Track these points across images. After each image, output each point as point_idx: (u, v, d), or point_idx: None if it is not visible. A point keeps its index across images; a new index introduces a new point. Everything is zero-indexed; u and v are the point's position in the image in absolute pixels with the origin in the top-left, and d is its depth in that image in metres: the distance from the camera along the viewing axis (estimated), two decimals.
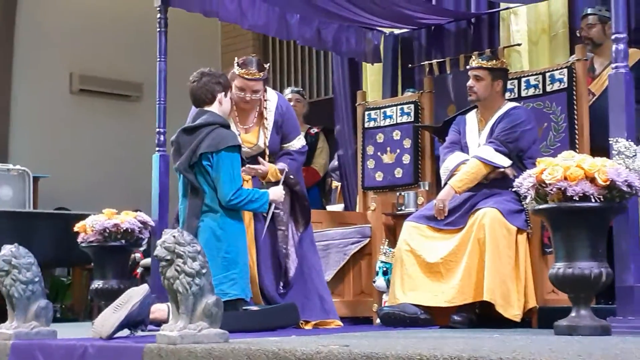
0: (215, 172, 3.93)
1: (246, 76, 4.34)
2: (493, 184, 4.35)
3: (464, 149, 4.56)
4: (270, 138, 4.46)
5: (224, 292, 3.85)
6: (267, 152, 4.45)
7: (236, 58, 4.47)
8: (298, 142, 4.55)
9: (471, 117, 4.60)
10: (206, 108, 4.08)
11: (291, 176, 4.43)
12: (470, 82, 4.51)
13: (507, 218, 4.17)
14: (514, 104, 4.55)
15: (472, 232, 4.19)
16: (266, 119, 4.45)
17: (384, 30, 6.74)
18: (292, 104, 6.24)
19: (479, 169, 4.33)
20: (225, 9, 5.80)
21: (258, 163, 4.37)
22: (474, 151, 4.47)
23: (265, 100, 4.48)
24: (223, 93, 4.11)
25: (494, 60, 4.55)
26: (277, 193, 4.13)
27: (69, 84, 9.58)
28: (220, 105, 4.10)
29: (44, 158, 8.67)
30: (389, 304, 4.34)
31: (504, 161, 4.30)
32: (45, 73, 9.26)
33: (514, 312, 4.08)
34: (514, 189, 3.66)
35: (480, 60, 4.54)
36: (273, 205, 4.22)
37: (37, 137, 9.01)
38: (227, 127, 4.09)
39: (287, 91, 6.46)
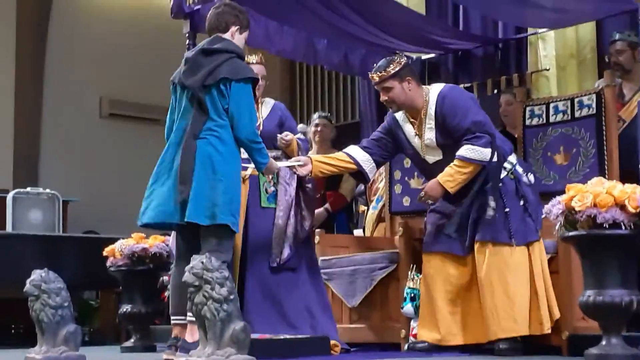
0: (235, 103, 3.84)
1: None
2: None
3: (414, 162, 4.47)
4: (267, 117, 4.58)
5: (214, 215, 3.76)
6: (261, 127, 4.53)
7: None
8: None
9: (403, 121, 4.43)
10: (220, 35, 4.01)
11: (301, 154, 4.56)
12: (382, 97, 4.35)
13: (504, 242, 4.11)
14: (437, 88, 4.35)
15: (481, 272, 4.15)
16: (262, 102, 4.63)
17: (411, 55, 6.76)
18: (319, 129, 6.28)
19: (471, 170, 4.14)
20: (253, 34, 5.83)
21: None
22: (429, 159, 4.34)
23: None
24: (238, 27, 4.04)
25: (390, 65, 4.31)
26: (273, 163, 4.08)
27: (98, 108, 9.69)
28: (232, 39, 4.02)
29: (74, 182, 8.75)
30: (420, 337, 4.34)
31: (486, 154, 4.10)
32: (76, 97, 9.38)
33: (544, 329, 4.06)
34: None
35: (376, 74, 4.32)
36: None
37: (67, 161, 9.10)
38: (243, 59, 4.02)
39: (315, 116, 6.47)
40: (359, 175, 4.53)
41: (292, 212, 4.51)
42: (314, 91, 9.99)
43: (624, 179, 3.73)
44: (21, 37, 9.17)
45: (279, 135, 4.53)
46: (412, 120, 4.37)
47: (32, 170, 8.92)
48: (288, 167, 4.39)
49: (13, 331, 6.87)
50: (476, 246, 4.18)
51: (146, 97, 9.55)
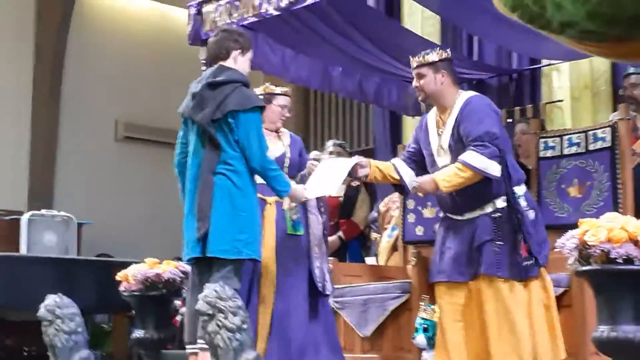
0: (245, 133, 3.86)
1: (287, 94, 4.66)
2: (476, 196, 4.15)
3: (426, 161, 4.37)
4: (290, 146, 4.63)
5: (237, 249, 3.82)
6: (288, 154, 4.59)
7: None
8: None
9: (431, 120, 4.40)
10: (223, 64, 4.01)
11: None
12: (414, 83, 4.34)
13: (505, 277, 4.04)
14: (467, 94, 4.33)
15: (487, 307, 4.11)
16: (281, 132, 4.68)
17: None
18: (333, 157, 6.31)
19: (469, 177, 4.05)
20: (269, 62, 5.89)
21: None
22: (438, 160, 4.26)
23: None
24: (239, 51, 4.04)
25: (431, 54, 4.31)
26: (299, 191, 4.09)
27: (114, 132, 9.76)
28: (235, 64, 4.02)
29: (89, 205, 8.81)
30: None
31: (496, 169, 4.04)
32: (91, 120, 9.46)
33: None
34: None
35: (415, 58, 4.34)
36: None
37: (82, 183, 9.16)
38: (248, 86, 4.02)
39: (329, 144, 6.50)
40: (400, 187, 4.50)
41: (324, 242, 4.54)
42: (327, 116, 10.04)
43: (638, 214, 3.72)
44: (39, 60, 9.27)
45: (310, 159, 4.57)
46: (438, 119, 4.34)
47: (47, 192, 8.99)
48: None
49: (25, 354, 6.89)
50: (482, 280, 4.13)
51: (161, 121, 9.62)
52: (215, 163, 3.87)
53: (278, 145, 4.59)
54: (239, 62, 4.04)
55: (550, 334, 4.08)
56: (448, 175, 4.09)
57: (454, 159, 4.17)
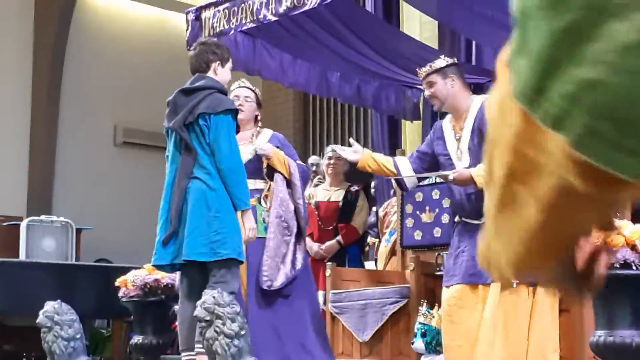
0: (214, 135, 3.91)
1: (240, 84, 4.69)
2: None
3: (443, 165, 4.34)
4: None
5: (214, 251, 3.83)
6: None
7: None
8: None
9: (447, 125, 4.39)
10: (201, 74, 4.10)
11: (292, 168, 4.64)
12: (425, 93, 4.37)
13: (518, 283, 4.02)
14: (482, 97, 4.31)
15: (491, 313, 4.09)
16: (260, 131, 4.72)
17: (424, 88, 6.79)
18: (332, 161, 6.30)
19: None
20: (267, 67, 5.92)
21: (260, 168, 4.57)
22: (458, 163, 4.23)
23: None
24: (218, 62, 4.11)
25: (437, 61, 4.35)
26: (252, 221, 4.06)
27: (113, 137, 9.76)
28: (216, 75, 4.09)
29: (87, 210, 8.81)
30: None
31: None
32: (90, 125, 9.46)
33: None
34: None
35: (424, 69, 4.36)
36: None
37: (81, 189, 9.16)
38: (225, 93, 4.09)
39: (328, 149, 6.49)
40: (399, 183, 4.54)
41: (293, 240, 4.55)
42: (326, 121, 10.05)
43: (635, 218, 3.72)
44: (38, 66, 9.28)
45: (309, 163, 4.61)
46: (454, 124, 4.33)
47: (46, 198, 8.99)
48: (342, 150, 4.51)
49: (24, 359, 6.89)
50: (493, 284, 4.10)
51: (160, 126, 9.56)
52: (190, 167, 3.92)
53: (247, 149, 4.57)
54: (219, 73, 4.12)
55: (548, 344, 4.06)
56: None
57: (474, 160, 4.17)
